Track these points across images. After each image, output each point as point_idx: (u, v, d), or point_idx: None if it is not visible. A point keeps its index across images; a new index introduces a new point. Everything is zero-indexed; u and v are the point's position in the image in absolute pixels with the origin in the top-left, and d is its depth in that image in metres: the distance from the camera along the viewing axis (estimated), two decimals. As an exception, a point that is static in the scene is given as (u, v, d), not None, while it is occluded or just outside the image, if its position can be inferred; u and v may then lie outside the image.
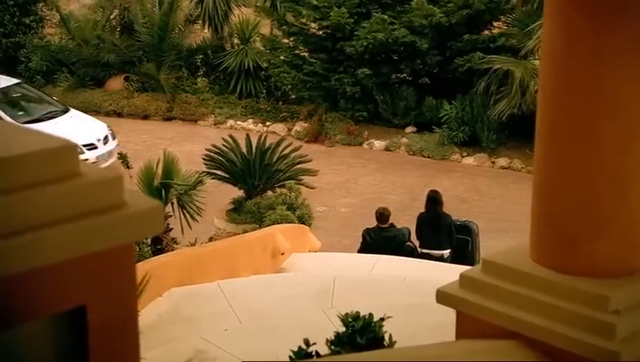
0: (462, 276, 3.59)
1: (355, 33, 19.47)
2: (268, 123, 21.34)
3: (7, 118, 17.41)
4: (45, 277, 1.85)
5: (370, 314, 3.93)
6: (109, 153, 18.11)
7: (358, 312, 3.91)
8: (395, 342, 3.79)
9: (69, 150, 1.90)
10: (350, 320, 3.87)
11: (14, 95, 19.13)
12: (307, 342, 3.78)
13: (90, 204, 1.90)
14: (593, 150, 3.33)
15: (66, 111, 19.09)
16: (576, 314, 3.27)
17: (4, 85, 18.97)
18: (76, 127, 17.89)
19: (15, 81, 19.61)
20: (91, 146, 17.59)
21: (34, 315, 1.86)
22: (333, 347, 3.91)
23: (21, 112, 18.50)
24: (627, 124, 3.31)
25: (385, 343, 3.88)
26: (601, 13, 3.26)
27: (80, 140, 16.54)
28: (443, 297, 3.62)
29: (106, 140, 18.28)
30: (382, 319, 3.87)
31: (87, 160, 15.04)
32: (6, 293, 1.79)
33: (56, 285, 1.88)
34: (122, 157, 12.44)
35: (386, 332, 3.94)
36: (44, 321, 1.89)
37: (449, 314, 8.72)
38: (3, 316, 1.80)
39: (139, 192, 2.13)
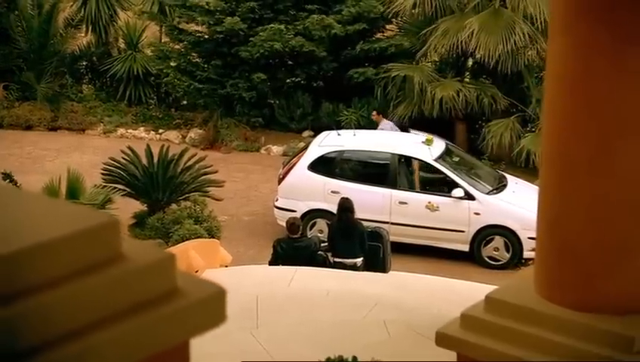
0: (463, 316, 3.30)
1: (251, 39, 19.09)
2: (161, 130, 20.62)
3: (476, 193, 14.18)
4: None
5: (354, 357, 3.60)
6: None
7: (341, 356, 3.57)
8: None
9: (110, 228, 1.49)
10: (335, 365, 3.53)
11: (454, 159, 15.19)
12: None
13: (137, 296, 1.49)
14: (610, 175, 3.08)
15: (501, 175, 15.42)
16: (596, 355, 3.02)
17: (442, 150, 15.04)
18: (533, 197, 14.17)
19: (444, 142, 15.57)
20: None
21: None
22: (316, 394, 3.57)
23: (480, 182, 14.82)
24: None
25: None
26: (622, 25, 3.00)
27: None
28: (443, 339, 3.31)
29: None
30: (370, 363, 3.55)
31: None
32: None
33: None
34: (7, 175, 11.62)
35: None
36: None
37: (381, 332, 8.42)
38: None
39: (194, 275, 1.72)
